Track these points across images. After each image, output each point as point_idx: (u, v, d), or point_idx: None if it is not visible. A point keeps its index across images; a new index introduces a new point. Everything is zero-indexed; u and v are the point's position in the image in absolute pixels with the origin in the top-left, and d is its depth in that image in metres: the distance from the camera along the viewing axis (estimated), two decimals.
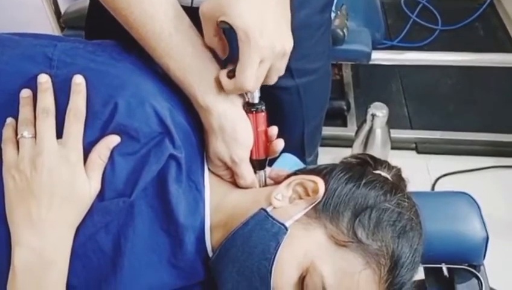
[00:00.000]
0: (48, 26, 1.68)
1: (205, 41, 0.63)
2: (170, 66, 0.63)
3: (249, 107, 0.66)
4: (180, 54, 0.62)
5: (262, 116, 0.67)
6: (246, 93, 0.65)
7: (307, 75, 0.92)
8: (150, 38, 0.62)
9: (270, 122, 0.69)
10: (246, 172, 0.68)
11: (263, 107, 0.66)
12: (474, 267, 0.83)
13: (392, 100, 2.05)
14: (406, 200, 0.64)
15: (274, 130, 0.70)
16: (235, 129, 0.64)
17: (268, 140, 0.69)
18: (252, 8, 0.56)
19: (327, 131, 1.85)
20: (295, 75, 0.90)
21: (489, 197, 1.22)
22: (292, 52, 0.63)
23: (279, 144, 0.70)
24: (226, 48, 0.64)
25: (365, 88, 2.12)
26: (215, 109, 0.63)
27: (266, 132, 0.68)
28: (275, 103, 0.84)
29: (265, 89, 0.66)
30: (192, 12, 0.63)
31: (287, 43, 0.61)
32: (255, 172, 0.69)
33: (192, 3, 0.73)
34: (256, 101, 0.66)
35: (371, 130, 1.62)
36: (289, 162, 0.85)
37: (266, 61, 0.60)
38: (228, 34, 0.61)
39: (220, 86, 0.63)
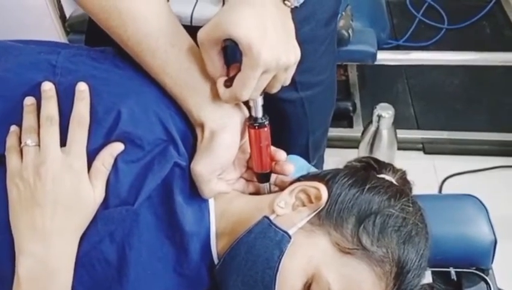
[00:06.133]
0: (53, 30, 1.68)
1: (208, 71, 0.61)
2: (166, 82, 0.62)
3: (251, 121, 0.64)
4: (176, 71, 0.61)
5: (265, 130, 0.65)
6: (250, 109, 0.64)
7: (311, 87, 0.92)
8: (145, 56, 0.61)
9: (274, 134, 0.67)
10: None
11: (266, 122, 0.65)
12: (483, 271, 0.83)
13: (399, 100, 2.05)
14: (411, 204, 0.64)
15: (282, 155, 0.68)
16: (219, 144, 0.62)
17: (271, 157, 0.68)
18: (253, 22, 0.55)
19: (333, 132, 1.84)
20: (299, 88, 0.89)
21: (497, 198, 1.21)
22: (297, 66, 0.62)
23: (288, 169, 0.68)
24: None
25: (371, 88, 2.11)
26: (208, 125, 0.62)
27: (269, 146, 0.67)
28: (279, 115, 0.83)
29: (269, 101, 0.64)
30: (192, 31, 0.62)
31: (292, 54, 0.59)
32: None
33: (191, 21, 0.72)
34: (260, 115, 0.64)
35: (377, 131, 1.61)
36: (296, 165, 0.84)
37: (269, 73, 0.58)
38: (230, 50, 0.60)
39: (216, 103, 0.62)
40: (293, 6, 0.61)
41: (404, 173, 0.74)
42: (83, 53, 0.65)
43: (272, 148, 0.68)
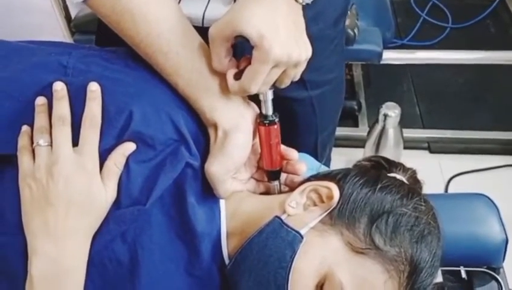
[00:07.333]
0: (59, 31, 1.68)
1: (214, 66, 0.61)
2: (179, 83, 0.62)
3: (262, 119, 0.64)
4: (188, 71, 0.61)
5: (275, 128, 0.65)
6: (260, 106, 0.64)
7: (320, 86, 0.92)
8: (157, 57, 0.61)
9: (283, 133, 0.67)
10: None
11: (277, 119, 0.65)
12: (494, 270, 0.82)
13: (403, 99, 2.04)
14: (423, 203, 0.64)
15: (294, 154, 0.68)
16: (233, 144, 0.62)
17: (282, 155, 0.67)
18: (265, 19, 0.55)
19: (338, 131, 1.82)
20: (308, 86, 0.90)
21: (504, 196, 1.20)
22: (306, 64, 0.62)
23: (301, 169, 0.68)
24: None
25: (376, 88, 2.11)
26: (222, 125, 0.62)
27: (279, 143, 0.67)
28: (288, 114, 0.83)
29: (278, 100, 0.64)
30: (203, 33, 0.62)
31: (303, 51, 0.59)
32: (270, 182, 0.69)
33: (203, 23, 0.72)
34: (270, 112, 0.64)
35: (383, 131, 1.61)
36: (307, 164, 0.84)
37: (279, 68, 0.58)
38: (239, 48, 0.60)
39: (228, 103, 0.62)
40: (304, 4, 0.61)
41: (414, 172, 0.74)
42: (94, 53, 0.65)
43: (283, 147, 0.68)
